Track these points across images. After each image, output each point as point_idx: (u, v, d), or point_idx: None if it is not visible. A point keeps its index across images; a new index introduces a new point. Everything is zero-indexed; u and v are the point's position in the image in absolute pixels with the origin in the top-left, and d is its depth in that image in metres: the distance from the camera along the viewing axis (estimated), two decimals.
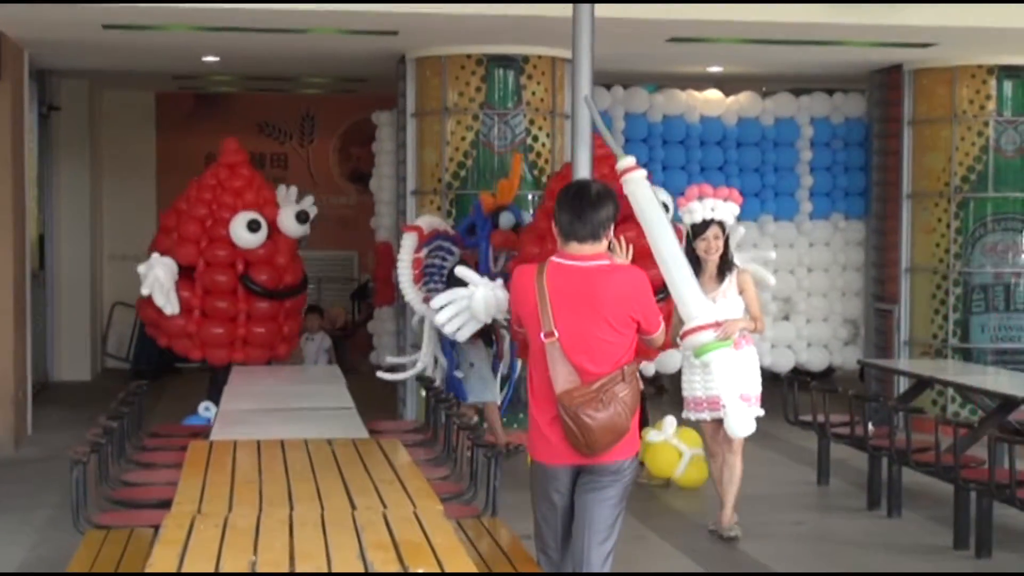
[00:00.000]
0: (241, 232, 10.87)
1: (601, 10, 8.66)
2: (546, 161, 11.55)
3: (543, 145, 11.57)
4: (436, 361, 10.39)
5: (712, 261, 8.16)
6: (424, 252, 10.36)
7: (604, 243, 5.33)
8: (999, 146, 12.09)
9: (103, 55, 12.45)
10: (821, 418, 9.45)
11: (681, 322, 7.13)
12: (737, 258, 8.98)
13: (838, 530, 8.69)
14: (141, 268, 10.77)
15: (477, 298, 9.07)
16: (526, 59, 11.51)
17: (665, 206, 10.62)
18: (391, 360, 11.20)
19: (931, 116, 12.33)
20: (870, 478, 9.16)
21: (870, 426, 9.10)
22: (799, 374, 12.39)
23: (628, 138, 12.73)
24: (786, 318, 13.35)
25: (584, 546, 5.26)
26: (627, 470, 5.33)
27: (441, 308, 9.17)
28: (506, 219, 10.39)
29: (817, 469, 9.97)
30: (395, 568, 3.94)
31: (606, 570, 5.27)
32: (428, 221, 10.69)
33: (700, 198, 8.22)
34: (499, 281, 9.18)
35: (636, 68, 12.64)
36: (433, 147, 11.68)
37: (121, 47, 11.64)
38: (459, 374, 10.22)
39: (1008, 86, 12.11)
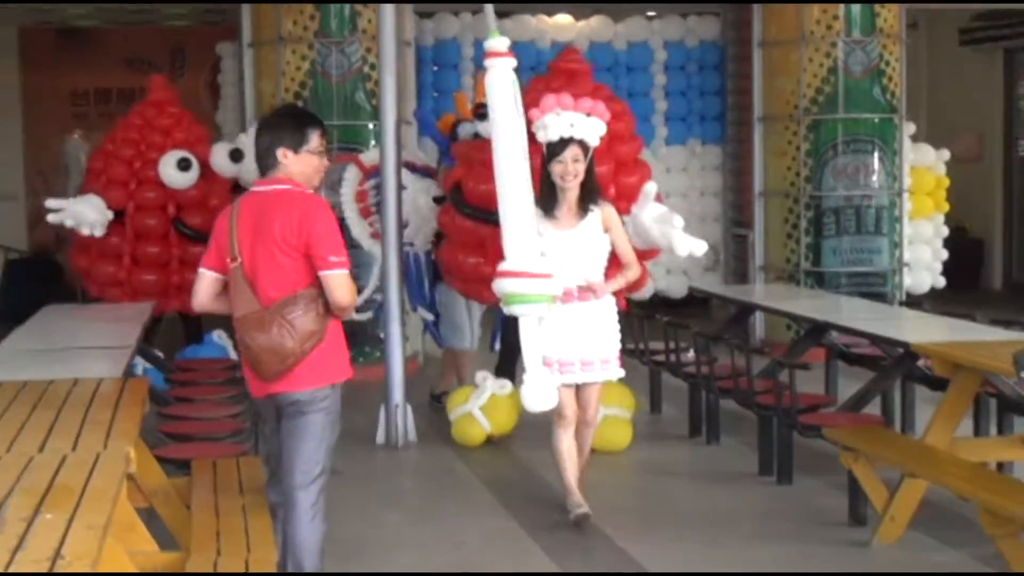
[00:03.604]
0: (171, 172, 10.48)
1: None
2: None
3: None
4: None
5: (571, 190, 6.77)
6: (370, 185, 9.70)
7: (282, 169, 5.19)
8: (847, 67, 11.94)
9: None
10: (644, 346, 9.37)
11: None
12: None
13: (655, 458, 8.62)
14: (51, 203, 10.29)
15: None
16: None
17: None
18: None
19: (780, 38, 12.16)
20: (691, 406, 9.10)
21: (691, 353, 8.99)
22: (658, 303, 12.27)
23: (477, 65, 12.51)
24: None
25: (289, 474, 5.17)
26: (321, 400, 5.18)
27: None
28: (464, 130, 9.96)
29: (650, 398, 9.91)
30: (27, 513, 3.81)
31: (311, 499, 5.16)
32: (372, 156, 9.87)
33: (557, 111, 6.82)
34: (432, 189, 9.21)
35: None
36: (270, 78, 11.42)
37: None
38: (427, 316, 9.66)
39: (856, 7, 11.92)
